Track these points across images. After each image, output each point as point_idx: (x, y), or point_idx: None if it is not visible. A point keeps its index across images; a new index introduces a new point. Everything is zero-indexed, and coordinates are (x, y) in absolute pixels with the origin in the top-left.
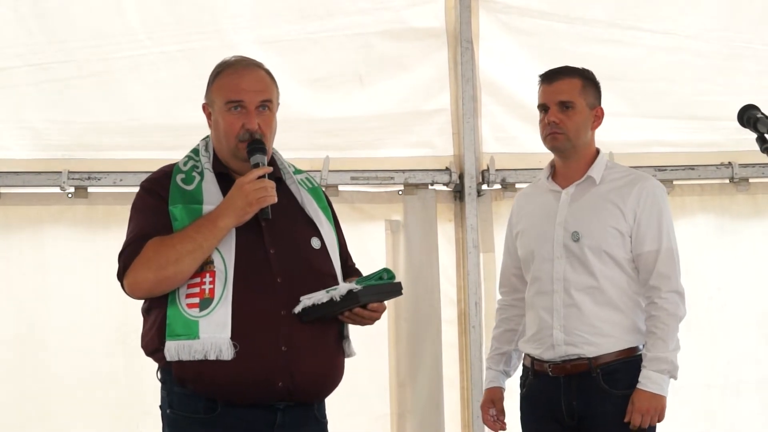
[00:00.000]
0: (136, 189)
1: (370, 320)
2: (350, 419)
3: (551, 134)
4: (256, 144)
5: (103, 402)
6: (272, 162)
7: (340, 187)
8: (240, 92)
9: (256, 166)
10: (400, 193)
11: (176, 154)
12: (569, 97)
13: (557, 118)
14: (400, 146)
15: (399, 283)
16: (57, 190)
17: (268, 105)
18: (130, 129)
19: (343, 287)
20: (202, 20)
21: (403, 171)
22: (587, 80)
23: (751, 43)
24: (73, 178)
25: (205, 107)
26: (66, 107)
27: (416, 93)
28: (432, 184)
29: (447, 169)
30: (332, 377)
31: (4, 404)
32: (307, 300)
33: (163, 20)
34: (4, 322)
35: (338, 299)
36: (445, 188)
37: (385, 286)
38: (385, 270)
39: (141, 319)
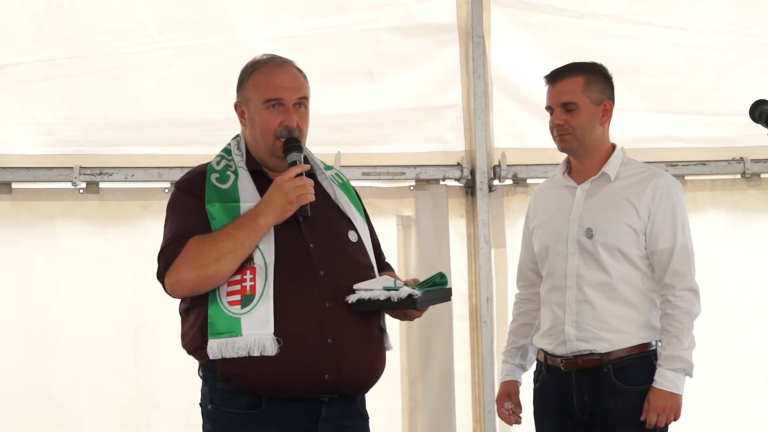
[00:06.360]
0: (148, 185)
1: (411, 318)
2: None
3: (558, 136)
4: (293, 142)
5: (114, 396)
6: (305, 159)
7: (352, 183)
8: (278, 90)
9: (293, 164)
10: (412, 188)
11: (187, 150)
12: (571, 98)
13: (561, 119)
14: (412, 142)
15: (450, 289)
16: (68, 185)
17: (303, 102)
18: (141, 124)
19: (404, 291)
20: (213, 16)
21: (415, 166)
22: (592, 75)
23: (762, 38)
24: (84, 174)
25: (237, 106)
26: (77, 103)
27: (427, 88)
28: (443, 180)
29: (458, 164)
30: (377, 368)
31: (14, 398)
32: (363, 293)
33: (174, 16)
34: (15, 316)
35: (396, 300)
36: (456, 184)
37: (438, 292)
38: (440, 274)
39: (152, 313)
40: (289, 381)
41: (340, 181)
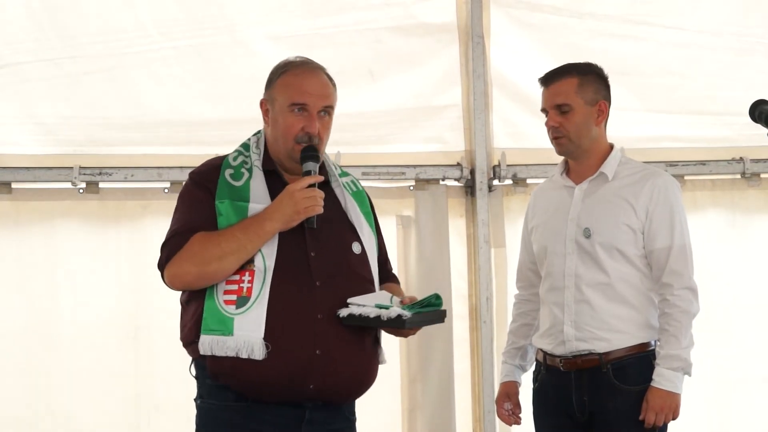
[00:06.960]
0: (148, 184)
1: (405, 335)
2: (361, 415)
3: (554, 139)
4: (310, 151)
5: (114, 396)
6: (321, 167)
7: None
8: (305, 95)
9: (308, 173)
10: (412, 188)
11: (187, 150)
12: (565, 100)
13: (556, 122)
14: (412, 141)
15: (444, 311)
16: (68, 185)
17: (329, 111)
18: (141, 124)
19: (393, 311)
20: (213, 15)
21: (414, 166)
22: (586, 76)
23: (762, 38)
24: (84, 174)
25: (263, 103)
26: (77, 103)
27: (427, 88)
28: (443, 180)
29: (458, 164)
30: (363, 382)
31: (14, 398)
32: (355, 308)
33: (174, 15)
34: (14, 316)
35: (385, 319)
36: (456, 183)
37: (430, 314)
38: (435, 295)
39: (151, 313)
40: (272, 386)
41: (354, 189)
